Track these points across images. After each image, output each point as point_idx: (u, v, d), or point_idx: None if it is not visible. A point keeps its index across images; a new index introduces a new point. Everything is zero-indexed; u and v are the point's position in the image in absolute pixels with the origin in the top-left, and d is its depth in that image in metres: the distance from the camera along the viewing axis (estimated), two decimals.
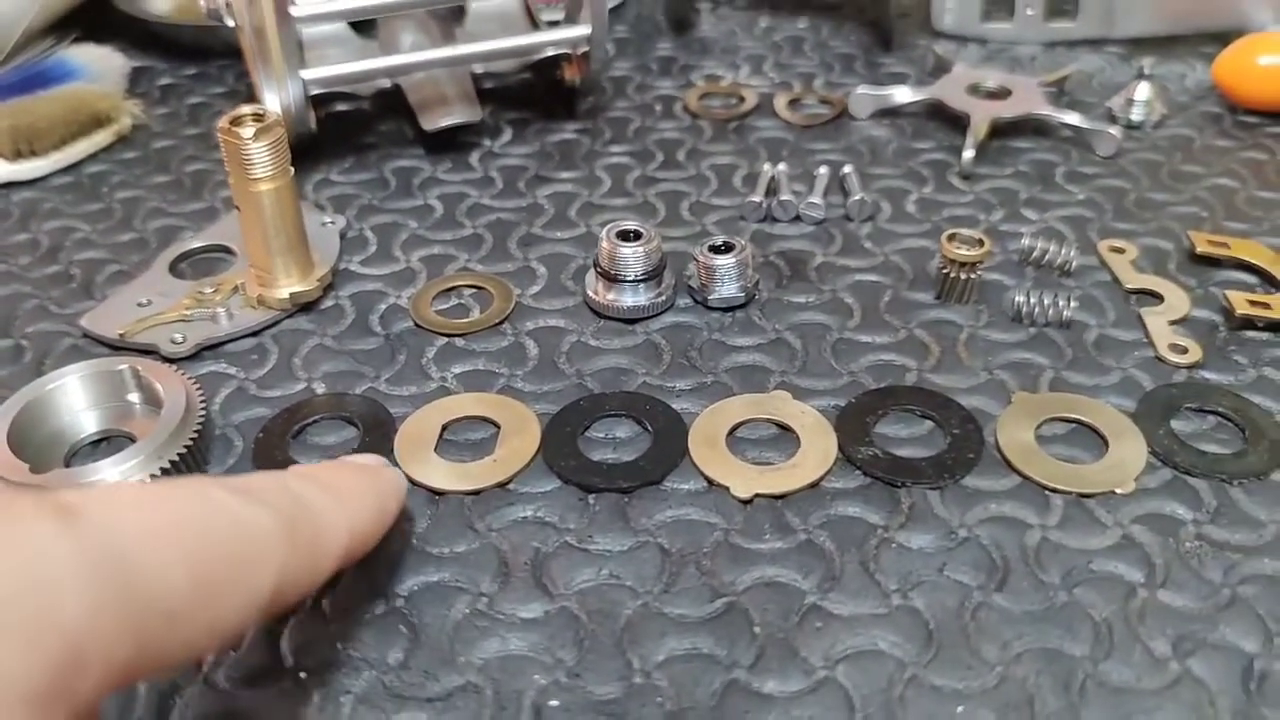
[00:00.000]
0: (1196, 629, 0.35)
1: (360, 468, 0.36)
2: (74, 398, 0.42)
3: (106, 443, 0.43)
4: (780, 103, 0.65)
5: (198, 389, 0.42)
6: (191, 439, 0.39)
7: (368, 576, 0.36)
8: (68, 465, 0.41)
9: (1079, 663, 0.34)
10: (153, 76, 0.71)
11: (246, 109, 0.45)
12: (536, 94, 0.67)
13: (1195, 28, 0.70)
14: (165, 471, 0.38)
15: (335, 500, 0.33)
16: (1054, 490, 0.40)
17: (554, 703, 0.33)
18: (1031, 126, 0.62)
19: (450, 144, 0.61)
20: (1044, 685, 0.33)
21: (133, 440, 0.41)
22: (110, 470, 0.38)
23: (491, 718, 0.32)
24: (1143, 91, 0.62)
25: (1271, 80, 0.62)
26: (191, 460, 0.40)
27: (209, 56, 0.72)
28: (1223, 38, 0.67)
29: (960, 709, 0.32)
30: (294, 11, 0.51)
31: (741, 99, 0.66)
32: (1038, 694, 0.33)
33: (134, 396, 0.43)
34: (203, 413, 0.41)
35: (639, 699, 0.33)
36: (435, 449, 0.41)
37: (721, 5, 0.79)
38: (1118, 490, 0.39)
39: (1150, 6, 0.69)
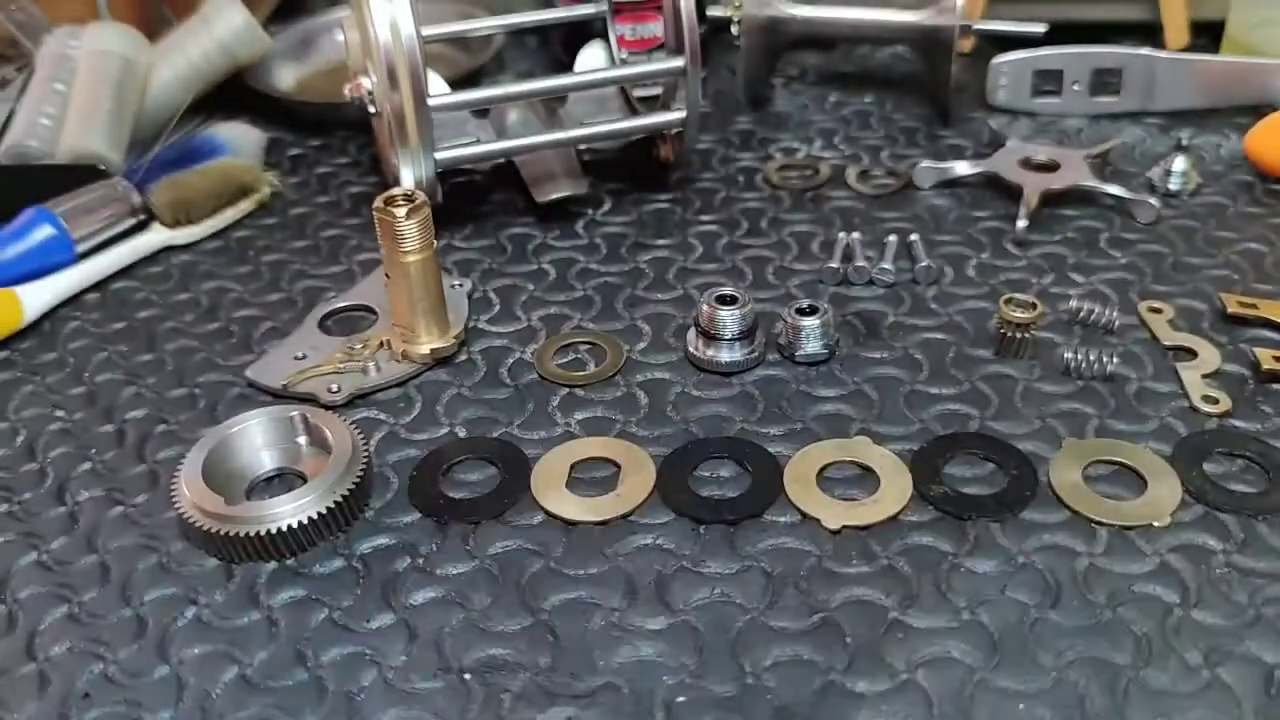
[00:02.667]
0: (1225, 643, 0.39)
1: None
2: (253, 439, 0.48)
3: (279, 479, 0.49)
4: (851, 174, 0.69)
5: (360, 434, 0.48)
6: (358, 477, 0.45)
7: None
8: (248, 498, 0.47)
9: (1123, 670, 0.38)
10: (283, 148, 0.77)
11: (397, 191, 0.51)
12: (633, 166, 0.71)
13: (1229, 101, 0.73)
14: (336, 505, 0.44)
15: None
16: (1099, 523, 0.44)
17: (681, 699, 0.38)
18: (1078, 196, 0.65)
19: (558, 213, 0.66)
20: (1093, 688, 0.38)
21: (303, 478, 0.48)
22: (288, 505, 0.44)
23: (630, 712, 0.38)
24: (1179, 163, 0.66)
25: None
26: (357, 495, 0.45)
27: (331, 129, 0.78)
28: (1256, 110, 0.71)
29: (1021, 706, 0.37)
30: (430, 102, 0.57)
31: (816, 171, 0.70)
32: (1087, 695, 0.37)
33: (302, 439, 0.49)
34: (366, 455, 0.47)
35: (752, 696, 0.38)
36: (566, 485, 0.47)
37: (794, 81, 0.83)
38: (1155, 524, 0.44)
39: (1187, 83, 0.73)
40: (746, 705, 0.38)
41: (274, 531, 0.43)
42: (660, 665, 0.40)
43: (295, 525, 0.44)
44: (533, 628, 0.41)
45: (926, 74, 0.77)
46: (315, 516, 0.44)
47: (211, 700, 0.39)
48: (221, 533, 0.43)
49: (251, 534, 0.43)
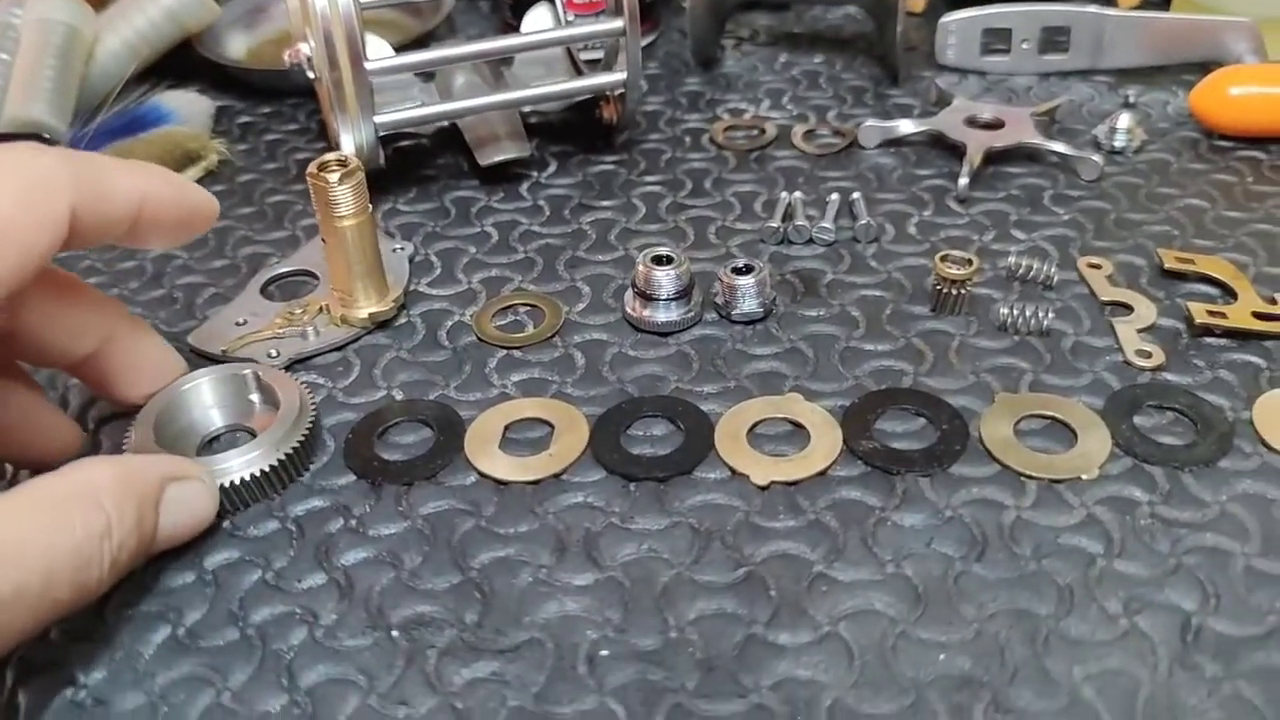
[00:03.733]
0: (1145, 592, 0.40)
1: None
2: (205, 397, 0.48)
3: (230, 435, 0.49)
4: (797, 134, 0.70)
5: (309, 391, 0.48)
6: (304, 434, 0.45)
7: None
8: (199, 454, 0.47)
9: (1044, 620, 0.39)
10: (232, 115, 0.77)
11: (331, 156, 0.51)
12: (578, 129, 0.71)
13: (1178, 58, 0.74)
14: (283, 462, 0.45)
15: (126, 165, 0.41)
16: (1029, 477, 0.44)
17: (604, 653, 0.39)
18: (1024, 153, 0.66)
19: (502, 176, 0.67)
20: (1013, 638, 0.38)
21: (253, 434, 0.48)
22: (236, 459, 0.44)
23: (553, 666, 0.38)
24: (1124, 120, 0.66)
25: (1242, 109, 0.66)
26: (304, 452, 0.46)
27: (281, 96, 0.78)
28: (1204, 67, 0.71)
29: (942, 657, 0.38)
30: (367, 65, 0.57)
31: (762, 131, 0.70)
32: (1008, 645, 0.38)
33: (255, 397, 0.49)
34: (314, 412, 0.47)
35: (674, 650, 0.39)
36: (499, 446, 0.47)
37: (744, 43, 0.83)
38: (1083, 476, 0.44)
39: (1136, 41, 0.73)
40: (669, 658, 0.38)
41: (226, 485, 0.44)
42: (585, 620, 0.40)
43: (246, 479, 0.44)
44: (461, 585, 0.42)
45: (876, 34, 0.77)
46: (265, 469, 0.44)
47: (140, 658, 0.39)
48: None
49: None
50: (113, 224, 0.40)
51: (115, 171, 0.40)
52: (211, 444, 0.48)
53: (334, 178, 0.50)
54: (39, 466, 0.44)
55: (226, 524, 0.44)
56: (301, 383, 0.48)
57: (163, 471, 0.40)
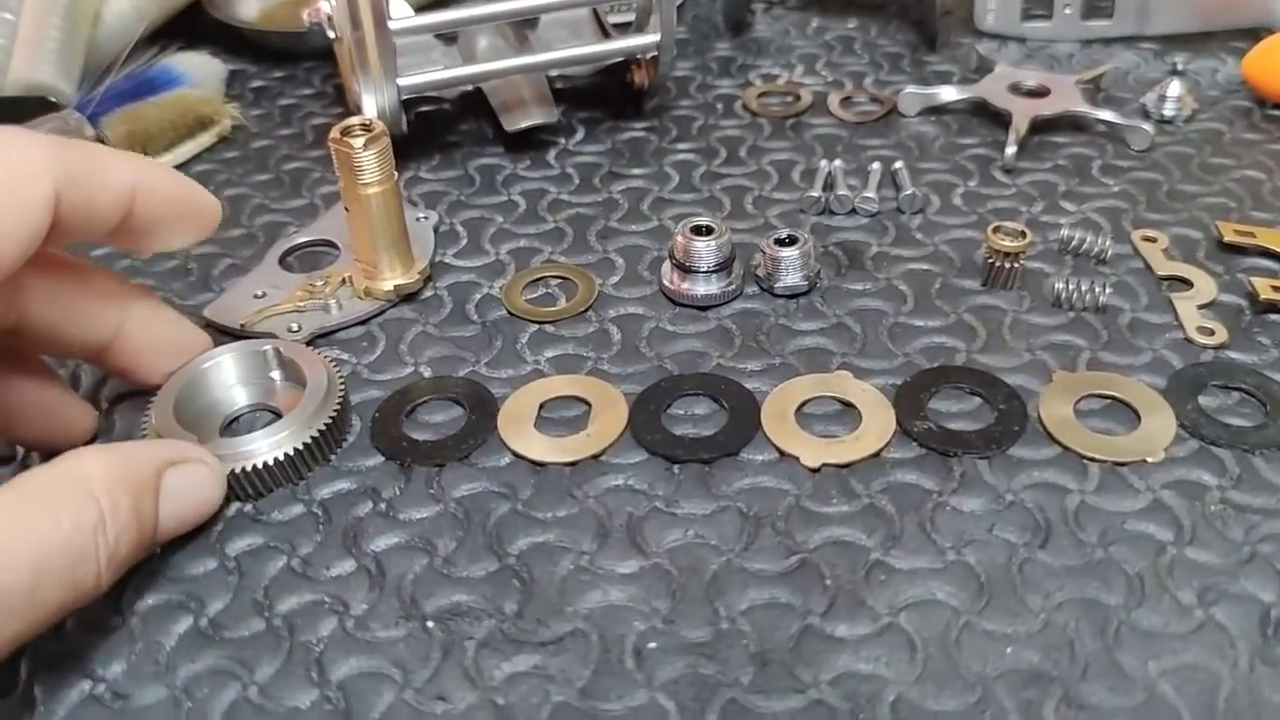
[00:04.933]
0: (1220, 581, 0.38)
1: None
2: (226, 375, 0.46)
3: (252, 415, 0.47)
4: (833, 101, 0.68)
5: (335, 366, 0.46)
6: (334, 413, 0.43)
7: None
8: (222, 435, 0.45)
9: (1114, 611, 0.37)
10: (245, 79, 0.75)
11: (354, 120, 0.49)
12: (606, 94, 0.70)
13: (1226, 24, 0.72)
14: (311, 443, 0.43)
15: (119, 155, 0.40)
16: (1091, 459, 0.43)
17: (652, 645, 0.37)
18: (1069, 122, 0.64)
19: (529, 142, 0.65)
20: (1083, 630, 0.36)
21: (276, 413, 0.46)
22: (263, 441, 0.42)
23: (599, 659, 0.36)
24: (1174, 88, 0.64)
25: None
26: (334, 432, 0.44)
27: (296, 60, 0.76)
28: (1254, 33, 0.70)
29: (1009, 650, 0.36)
30: (391, 25, 0.55)
31: (797, 97, 0.69)
32: (1077, 638, 0.36)
33: (276, 374, 0.47)
34: (342, 390, 0.45)
35: (727, 641, 0.37)
36: (535, 425, 0.45)
37: (775, 6, 0.82)
38: (1149, 459, 0.42)
39: (1182, 4, 0.71)
40: (721, 651, 0.37)
41: (251, 469, 0.42)
42: (631, 610, 0.38)
43: (271, 462, 0.42)
44: (499, 573, 0.40)
45: None
46: (294, 451, 0.42)
47: (161, 650, 0.38)
48: None
49: (232, 470, 0.42)
50: (102, 214, 0.39)
51: (106, 160, 0.39)
52: (233, 424, 0.47)
53: (358, 143, 0.48)
54: (57, 451, 0.42)
55: (249, 508, 0.42)
56: (327, 358, 0.46)
57: (160, 457, 0.38)
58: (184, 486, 0.39)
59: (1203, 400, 0.45)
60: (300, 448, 0.42)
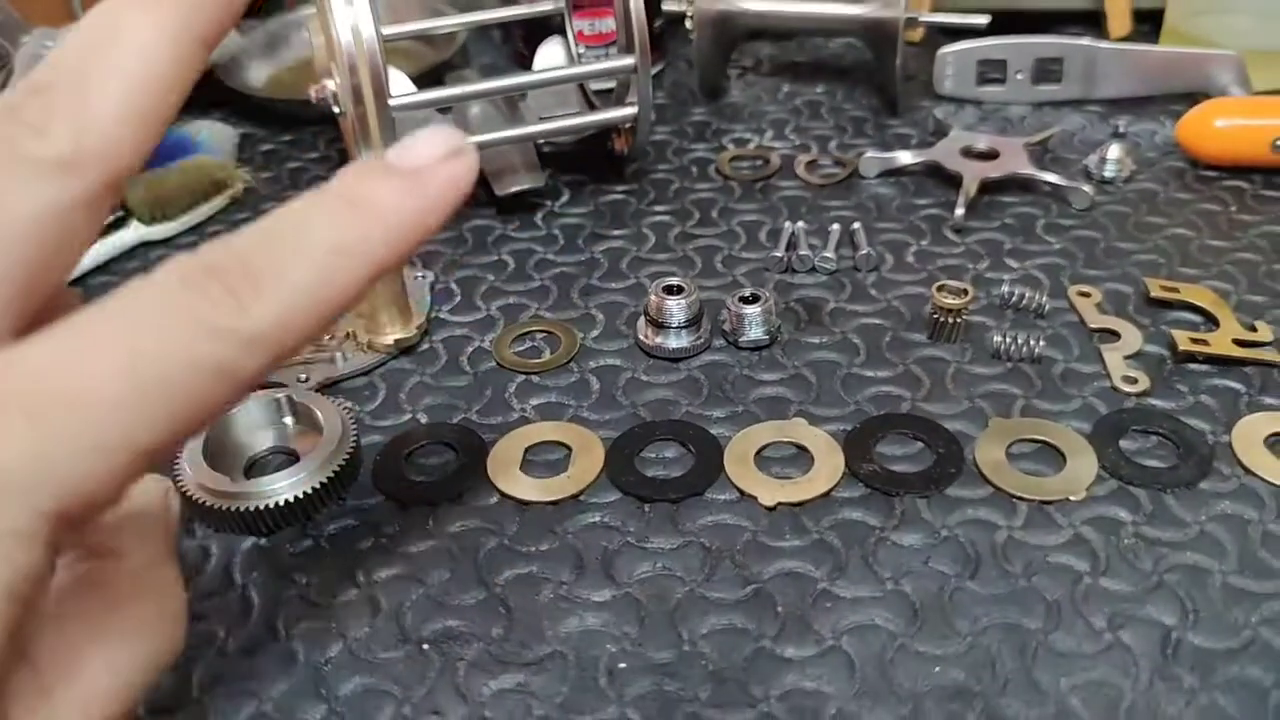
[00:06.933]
0: (1128, 607, 0.42)
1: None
2: (249, 419, 0.51)
3: (271, 457, 0.51)
4: (800, 164, 0.72)
5: (350, 417, 0.50)
6: (346, 456, 0.48)
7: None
8: (247, 476, 0.50)
9: (1033, 634, 0.41)
10: (254, 143, 0.79)
11: None
12: (589, 158, 0.73)
13: (1168, 89, 0.76)
14: (326, 483, 0.47)
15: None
16: (1020, 498, 0.47)
17: (623, 665, 0.41)
18: (1017, 183, 0.68)
19: (518, 205, 0.69)
20: (1004, 651, 0.41)
21: (292, 455, 0.50)
22: (283, 481, 0.46)
23: (575, 677, 0.41)
24: (1114, 151, 0.68)
25: (1227, 140, 0.68)
26: (348, 472, 0.48)
27: (302, 124, 0.80)
28: (1191, 97, 0.74)
29: (938, 669, 0.40)
30: (391, 102, 0.60)
31: (766, 161, 0.73)
32: (999, 658, 0.41)
33: (289, 419, 0.51)
34: (355, 434, 0.49)
35: (688, 662, 0.41)
36: (520, 468, 0.50)
37: (748, 72, 0.86)
38: (1071, 498, 0.47)
39: (1125, 71, 0.76)
40: (683, 670, 0.41)
41: (276, 505, 0.46)
42: (604, 634, 0.43)
43: (290, 500, 0.46)
44: (487, 600, 0.44)
45: (875, 64, 0.79)
46: (312, 490, 0.46)
47: (188, 674, 0.42)
48: (228, 509, 0.46)
49: (256, 508, 0.46)
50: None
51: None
52: (254, 465, 0.51)
53: None
54: None
55: (264, 541, 0.47)
56: (342, 406, 0.51)
57: None
58: None
59: (1123, 444, 0.50)
60: (315, 488, 0.47)
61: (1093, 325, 0.57)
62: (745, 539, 0.46)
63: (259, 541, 0.47)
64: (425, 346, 0.58)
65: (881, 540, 0.46)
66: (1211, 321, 0.57)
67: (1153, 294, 0.58)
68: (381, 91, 0.59)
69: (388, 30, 0.60)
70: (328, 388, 0.55)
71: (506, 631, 0.43)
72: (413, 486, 0.49)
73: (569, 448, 0.51)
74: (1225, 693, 0.39)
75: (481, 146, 0.66)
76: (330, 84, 0.62)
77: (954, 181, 0.68)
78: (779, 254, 0.63)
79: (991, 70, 0.79)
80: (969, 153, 0.70)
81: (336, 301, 0.27)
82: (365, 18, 0.57)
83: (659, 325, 0.56)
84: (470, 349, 0.58)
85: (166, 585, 0.32)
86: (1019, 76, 0.78)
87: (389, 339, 0.56)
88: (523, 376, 0.56)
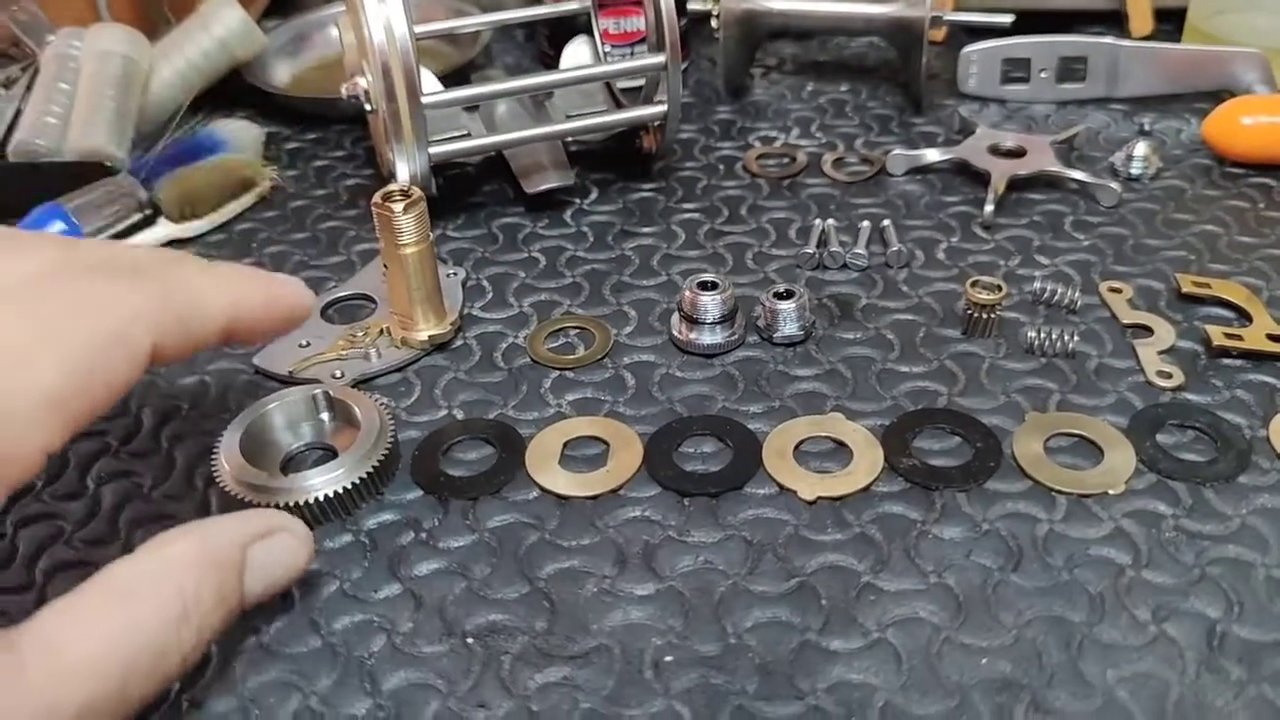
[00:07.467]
0: (1172, 600, 0.42)
1: (250, 270, 0.44)
2: (284, 417, 0.51)
3: (308, 453, 0.51)
4: (827, 162, 0.72)
5: (385, 407, 0.50)
6: (385, 451, 0.48)
7: None
8: (284, 472, 0.50)
9: (1077, 626, 0.41)
10: (280, 141, 0.79)
11: (394, 186, 0.54)
12: (617, 156, 0.74)
13: (1190, 87, 0.76)
14: (365, 478, 0.47)
15: (218, 281, 0.41)
16: (1059, 492, 0.47)
17: (668, 658, 0.41)
18: (1044, 181, 0.68)
19: (547, 203, 0.69)
20: (1050, 643, 0.41)
21: (330, 451, 0.51)
22: (323, 477, 0.46)
23: (621, 671, 0.41)
24: (1141, 148, 0.68)
25: (1254, 137, 0.68)
26: (385, 469, 0.48)
27: (327, 123, 0.80)
28: (1216, 95, 0.74)
29: (984, 661, 0.40)
30: (424, 100, 0.60)
31: (793, 159, 0.73)
32: (1045, 650, 0.40)
33: (325, 415, 0.51)
34: (392, 430, 0.49)
35: (734, 655, 0.41)
36: (558, 462, 0.50)
37: (772, 71, 0.86)
38: (1110, 491, 0.47)
39: (1149, 70, 0.76)
40: (729, 663, 0.41)
41: (316, 500, 0.46)
42: (649, 628, 0.43)
43: (330, 495, 0.46)
44: (530, 595, 0.44)
45: (900, 63, 0.79)
46: (351, 485, 0.47)
47: (231, 666, 0.42)
48: (267, 504, 0.46)
49: (295, 503, 0.46)
50: (201, 343, 0.40)
51: (203, 295, 0.40)
52: (291, 460, 0.51)
53: (398, 208, 0.53)
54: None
55: None
56: (379, 401, 0.51)
57: (245, 533, 0.39)
58: (270, 559, 0.40)
59: (1160, 438, 0.50)
60: (354, 483, 0.47)
61: (1125, 321, 0.57)
62: (787, 533, 0.46)
63: (328, 522, 0.47)
64: (459, 343, 0.58)
65: (923, 534, 0.46)
66: (1244, 317, 0.57)
67: (1184, 290, 0.58)
68: (414, 89, 0.59)
69: (418, 29, 0.60)
70: (362, 384, 0.55)
71: (550, 625, 0.43)
72: (451, 481, 0.49)
73: (606, 443, 0.51)
74: (1273, 684, 0.39)
75: (512, 145, 0.67)
76: (361, 81, 0.62)
77: (981, 179, 0.68)
78: (810, 250, 0.63)
79: (1015, 69, 0.79)
80: (996, 150, 0.70)
81: None
82: (398, 16, 0.57)
83: (693, 321, 0.56)
84: (504, 345, 0.58)
85: (170, 594, 0.36)
86: (1043, 75, 0.78)
87: (423, 335, 0.56)
88: (557, 372, 0.56)
